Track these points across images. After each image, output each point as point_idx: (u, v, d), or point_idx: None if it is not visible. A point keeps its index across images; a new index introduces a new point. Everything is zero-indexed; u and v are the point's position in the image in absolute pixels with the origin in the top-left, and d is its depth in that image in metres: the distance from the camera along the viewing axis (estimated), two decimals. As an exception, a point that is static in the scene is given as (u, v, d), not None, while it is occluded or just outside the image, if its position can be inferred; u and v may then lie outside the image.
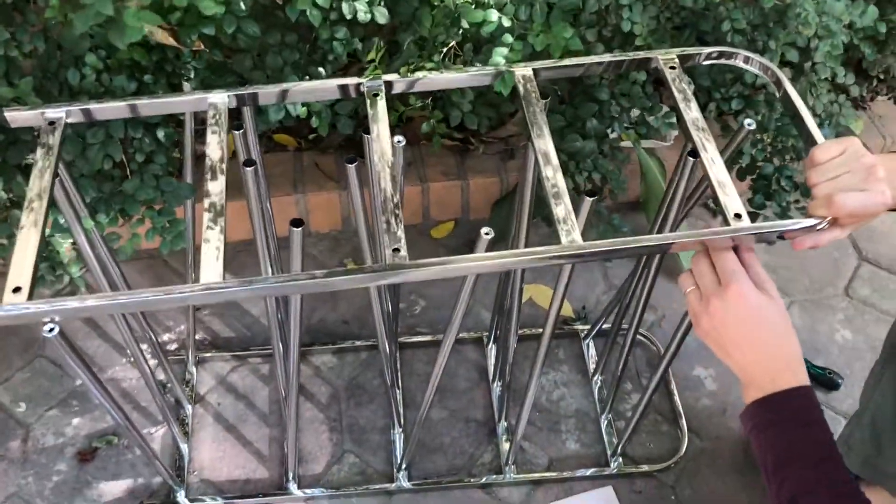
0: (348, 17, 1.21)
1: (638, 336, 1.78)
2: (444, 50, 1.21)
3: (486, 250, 1.02)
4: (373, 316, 1.39)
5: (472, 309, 1.84)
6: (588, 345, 1.77)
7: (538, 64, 1.17)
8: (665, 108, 1.42)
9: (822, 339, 1.80)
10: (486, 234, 1.02)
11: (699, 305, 0.93)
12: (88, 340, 1.78)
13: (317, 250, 1.94)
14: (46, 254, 1.39)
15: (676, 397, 1.69)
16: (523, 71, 1.16)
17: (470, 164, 1.95)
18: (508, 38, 1.13)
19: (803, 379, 0.90)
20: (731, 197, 1.00)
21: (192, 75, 1.20)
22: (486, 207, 1.95)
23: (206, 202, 1.00)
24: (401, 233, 0.97)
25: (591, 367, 1.73)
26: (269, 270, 1.31)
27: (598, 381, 1.71)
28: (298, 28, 1.31)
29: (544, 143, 1.08)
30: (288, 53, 1.29)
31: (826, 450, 0.86)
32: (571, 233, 0.98)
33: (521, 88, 1.15)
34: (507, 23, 1.14)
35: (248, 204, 1.16)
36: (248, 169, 1.09)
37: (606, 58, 1.18)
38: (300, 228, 1.04)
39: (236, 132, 1.13)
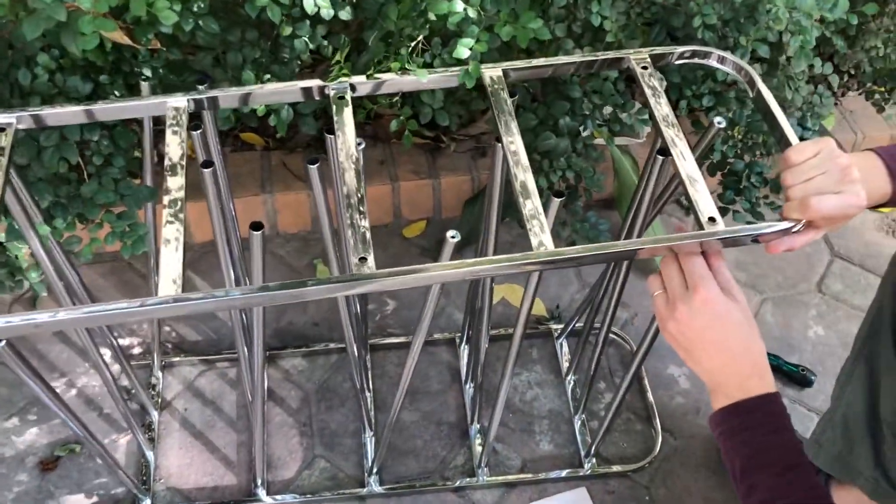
0: (310, 13, 1.18)
1: (611, 335, 1.77)
2: (412, 45, 1.18)
3: (455, 253, 1.00)
4: (352, 318, 1.36)
5: (444, 309, 1.82)
6: (561, 344, 1.75)
7: (508, 64, 1.15)
8: (637, 105, 1.40)
9: (796, 335, 1.80)
10: (452, 237, 1.00)
11: (666, 309, 0.92)
12: (52, 345, 1.73)
13: (285, 251, 1.90)
14: (4, 259, 1.35)
15: (650, 396, 1.67)
16: (493, 72, 1.14)
17: (441, 162, 1.92)
18: (474, 29, 1.10)
19: (770, 384, 0.90)
20: (703, 195, 0.99)
21: (149, 75, 1.16)
22: (458, 206, 1.92)
23: (166, 199, 0.97)
24: (367, 241, 0.95)
25: (565, 366, 1.72)
26: (231, 275, 1.28)
27: (572, 381, 1.70)
28: (260, 25, 1.27)
29: (514, 145, 1.05)
30: (249, 51, 1.26)
31: (794, 457, 0.86)
32: (540, 236, 0.96)
33: (489, 89, 1.13)
34: (472, 14, 1.11)
35: (209, 206, 1.12)
36: (206, 171, 1.06)
37: (577, 58, 1.16)
38: (260, 232, 1.00)
39: (195, 132, 1.09)
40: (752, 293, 1.87)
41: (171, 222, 0.95)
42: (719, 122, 1.10)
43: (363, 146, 1.08)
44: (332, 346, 1.73)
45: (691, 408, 1.67)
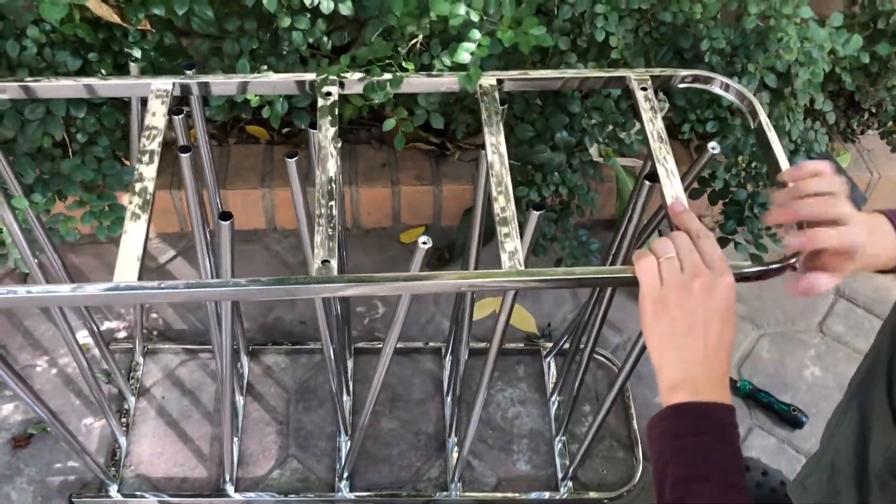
0: (309, 6, 1.16)
1: (600, 358, 1.73)
2: (411, 44, 1.15)
3: (444, 263, 0.97)
4: (332, 320, 1.34)
5: (433, 317, 1.79)
6: (549, 363, 1.72)
7: (502, 74, 1.13)
8: (638, 125, 1.36)
9: (791, 374, 1.75)
10: (424, 243, 0.96)
11: (677, 276, 0.82)
12: (39, 322, 1.73)
13: (281, 247, 1.89)
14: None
15: (635, 423, 1.63)
16: (486, 80, 1.12)
17: (444, 169, 1.90)
18: (476, 33, 1.08)
19: (729, 400, 0.84)
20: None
21: (138, 56, 1.15)
22: (458, 214, 1.89)
23: (137, 186, 0.95)
24: (333, 243, 0.92)
25: (550, 386, 1.68)
26: (207, 266, 1.26)
27: (556, 402, 1.66)
28: (260, 16, 1.26)
29: (498, 155, 1.03)
30: (246, 41, 1.25)
31: (739, 476, 0.80)
32: (515, 256, 0.93)
33: (479, 96, 1.10)
34: (475, 17, 1.09)
35: (185, 193, 1.11)
36: (183, 155, 1.04)
37: (574, 72, 1.14)
38: (228, 222, 0.98)
39: (176, 116, 1.08)
40: (750, 327, 1.82)
41: (136, 215, 0.93)
42: (713, 148, 1.07)
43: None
44: (315, 346, 1.71)
45: (676, 440, 1.63)
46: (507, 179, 1.00)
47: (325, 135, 1.04)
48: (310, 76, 1.11)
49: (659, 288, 0.83)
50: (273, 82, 1.11)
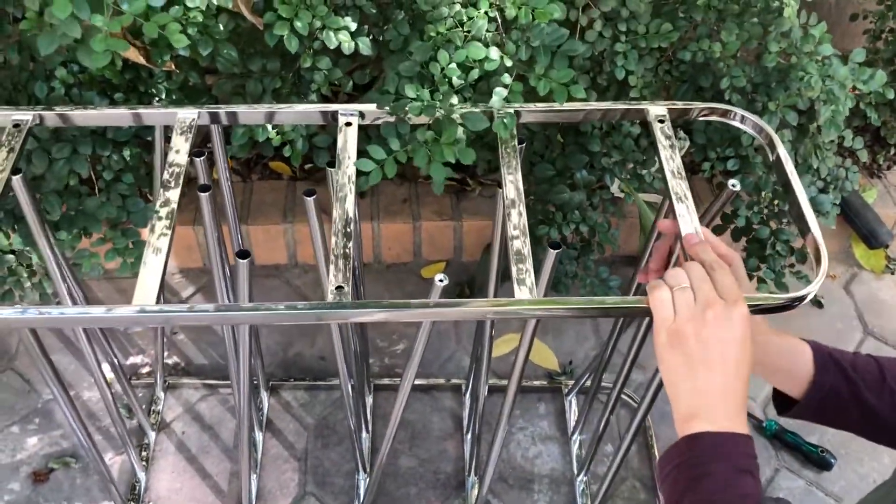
0: (331, 46, 1.18)
1: (624, 396, 1.71)
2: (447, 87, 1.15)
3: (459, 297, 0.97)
4: (349, 354, 1.34)
5: (454, 354, 1.78)
6: (570, 401, 1.70)
7: (520, 106, 1.13)
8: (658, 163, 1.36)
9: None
10: (440, 280, 0.97)
11: (691, 307, 0.82)
12: (62, 356, 1.74)
13: (301, 282, 1.89)
14: (14, 267, 1.37)
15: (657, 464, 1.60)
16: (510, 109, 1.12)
17: (465, 205, 1.90)
18: (507, 77, 1.08)
19: (747, 430, 0.82)
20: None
21: (163, 96, 1.17)
22: (479, 250, 1.89)
23: (162, 211, 0.96)
24: (348, 271, 0.92)
25: (572, 424, 1.66)
26: (226, 300, 1.27)
27: (578, 440, 1.64)
28: (283, 56, 1.28)
29: (514, 189, 1.03)
30: (269, 81, 1.26)
31: None
32: (528, 287, 0.92)
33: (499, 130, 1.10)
34: (508, 62, 1.10)
35: (205, 231, 1.12)
36: (203, 195, 1.05)
37: (593, 105, 1.14)
38: (246, 260, 0.99)
39: (197, 159, 1.09)
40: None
41: (162, 236, 0.94)
42: (733, 185, 1.06)
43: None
44: (335, 381, 1.71)
45: (700, 481, 1.60)
46: (524, 217, 1.00)
47: (347, 164, 1.04)
48: (334, 107, 1.12)
49: (672, 319, 0.83)
50: (297, 112, 1.12)
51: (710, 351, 0.80)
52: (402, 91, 1.10)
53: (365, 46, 1.21)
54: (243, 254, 1.00)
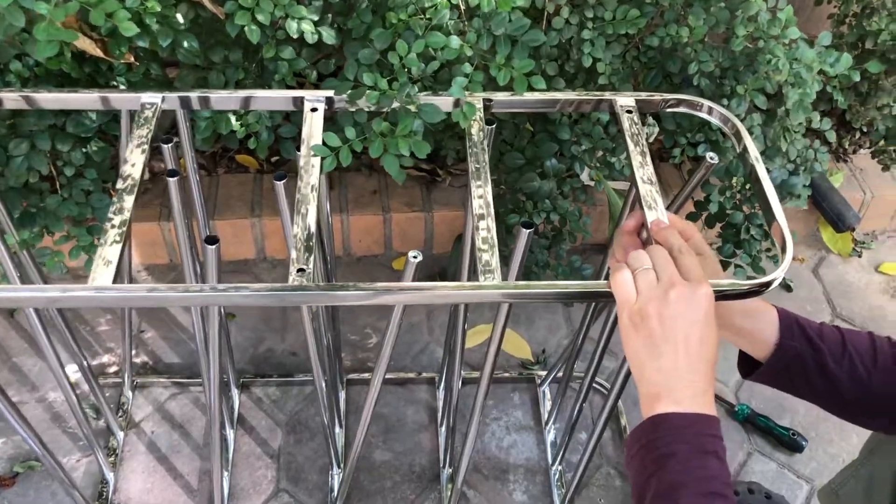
0: (294, 36, 1.15)
1: (596, 384, 1.71)
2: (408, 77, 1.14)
3: (416, 275, 0.95)
4: (321, 349, 1.32)
5: (426, 347, 1.77)
6: (544, 391, 1.69)
7: (488, 95, 1.12)
8: (623, 150, 1.35)
9: (788, 397, 1.71)
10: (414, 257, 0.95)
11: (654, 287, 0.81)
12: (27, 357, 1.70)
13: (271, 277, 1.87)
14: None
15: (625, 444, 1.60)
16: (471, 100, 1.10)
17: (436, 195, 1.89)
18: (468, 67, 1.07)
19: (713, 411, 0.81)
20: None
21: (124, 88, 1.14)
22: (450, 241, 1.88)
23: (115, 219, 0.93)
24: (311, 251, 0.91)
25: (545, 414, 1.66)
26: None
27: (552, 430, 1.64)
28: (245, 46, 1.25)
29: (481, 182, 1.01)
30: (232, 72, 1.24)
31: (722, 487, 0.77)
32: (496, 271, 0.91)
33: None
34: (468, 51, 1.08)
35: (173, 219, 1.09)
36: (171, 179, 1.03)
37: (560, 95, 1.13)
38: (215, 246, 0.97)
39: (165, 145, 1.06)
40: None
41: (115, 242, 0.91)
42: (711, 158, 1.05)
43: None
44: (307, 377, 1.69)
45: (674, 466, 1.60)
46: (489, 197, 0.99)
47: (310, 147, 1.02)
48: (300, 92, 1.10)
49: (635, 300, 0.82)
50: (265, 98, 1.10)
51: (674, 331, 0.79)
52: (360, 79, 1.09)
53: (329, 36, 1.19)
54: (211, 239, 0.98)
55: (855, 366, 0.91)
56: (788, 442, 1.63)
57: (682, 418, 0.78)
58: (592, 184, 1.50)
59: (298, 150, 1.08)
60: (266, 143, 1.23)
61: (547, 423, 1.64)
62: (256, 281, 1.86)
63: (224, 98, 1.10)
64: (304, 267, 0.88)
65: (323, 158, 1.02)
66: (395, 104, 1.06)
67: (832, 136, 1.46)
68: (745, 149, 1.06)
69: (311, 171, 1.00)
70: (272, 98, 1.11)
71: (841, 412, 0.96)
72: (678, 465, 0.76)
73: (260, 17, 1.12)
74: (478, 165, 1.03)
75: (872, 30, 1.56)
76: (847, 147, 2.05)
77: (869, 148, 2.07)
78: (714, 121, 1.11)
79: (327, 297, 0.89)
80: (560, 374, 1.65)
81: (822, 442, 1.64)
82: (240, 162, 1.92)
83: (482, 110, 1.10)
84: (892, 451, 1.14)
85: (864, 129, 2.01)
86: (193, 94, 1.06)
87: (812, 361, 0.91)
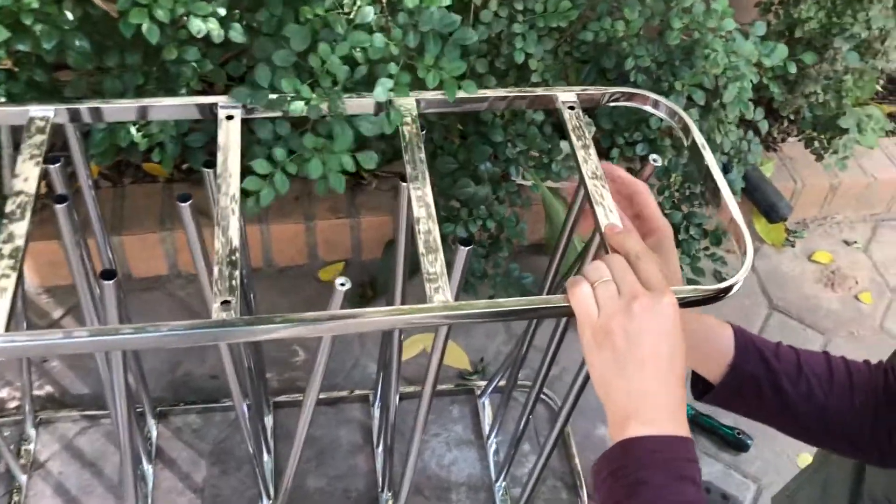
0: (197, 35, 1.04)
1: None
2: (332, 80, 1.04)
3: (365, 301, 0.87)
4: (242, 372, 1.22)
5: (358, 362, 1.67)
6: (484, 403, 1.62)
7: (420, 94, 1.03)
8: (565, 152, 1.29)
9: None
10: (342, 285, 0.87)
11: (615, 301, 0.74)
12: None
13: (185, 293, 1.74)
14: None
15: (577, 460, 1.55)
16: (404, 100, 1.02)
17: (362, 200, 1.79)
18: (393, 67, 0.97)
19: (688, 431, 0.75)
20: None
21: (3, 99, 1.00)
22: (380, 247, 1.78)
23: (4, 248, 0.81)
24: (235, 282, 0.81)
25: (487, 427, 1.58)
26: (96, 324, 1.12)
27: (494, 443, 1.56)
28: (145, 48, 1.13)
29: (419, 184, 0.93)
30: (130, 77, 1.11)
31: None
32: (443, 291, 0.83)
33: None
34: (395, 51, 0.99)
35: (64, 246, 0.97)
36: (59, 206, 0.91)
37: (498, 92, 1.05)
38: (111, 282, 0.86)
39: (52, 165, 0.94)
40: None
41: (5, 277, 0.79)
42: (654, 160, 0.99)
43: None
44: (230, 402, 1.56)
45: (621, 474, 1.55)
46: (431, 204, 0.91)
47: (228, 162, 0.91)
48: (212, 98, 0.99)
49: (596, 315, 0.75)
50: (170, 106, 0.99)
51: (640, 346, 0.72)
52: (277, 84, 0.99)
53: (237, 33, 1.08)
54: (108, 274, 0.86)
55: (811, 387, 0.87)
56: (734, 442, 1.59)
57: (654, 442, 0.71)
58: (528, 184, 1.43)
59: (208, 166, 0.98)
60: (172, 155, 1.12)
61: (489, 437, 1.57)
62: (171, 298, 1.73)
63: (121, 109, 0.98)
64: (229, 298, 0.78)
65: (249, 195, 0.92)
66: (326, 115, 0.96)
67: (765, 127, 1.42)
68: (693, 143, 1.00)
69: (230, 190, 0.89)
70: (178, 106, 1.00)
71: (799, 434, 0.92)
72: (650, 494, 0.70)
73: (159, 15, 0.99)
74: (415, 169, 0.95)
75: (801, 18, 1.54)
76: (776, 136, 2.04)
77: (796, 136, 2.07)
78: (660, 115, 1.05)
79: (248, 332, 0.79)
80: (501, 383, 1.58)
81: (767, 439, 1.62)
82: (147, 171, 1.77)
83: (415, 109, 1.01)
84: (845, 458, 1.12)
85: (792, 118, 2.00)
86: (84, 106, 0.94)
87: (767, 383, 0.86)
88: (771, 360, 0.87)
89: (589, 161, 0.96)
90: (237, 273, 0.81)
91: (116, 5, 1.01)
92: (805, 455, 1.60)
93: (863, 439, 0.88)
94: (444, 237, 1.35)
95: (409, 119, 1.00)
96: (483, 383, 1.64)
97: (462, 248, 0.91)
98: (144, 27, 0.99)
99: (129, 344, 0.78)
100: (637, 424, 0.71)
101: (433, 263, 0.85)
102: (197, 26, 1.04)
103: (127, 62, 1.11)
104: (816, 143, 1.77)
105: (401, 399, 1.47)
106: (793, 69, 1.28)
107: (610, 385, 0.73)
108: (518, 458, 1.55)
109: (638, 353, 0.72)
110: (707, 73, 1.20)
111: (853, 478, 1.11)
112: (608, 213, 0.91)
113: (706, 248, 1.32)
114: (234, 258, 0.82)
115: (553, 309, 0.83)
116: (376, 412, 1.57)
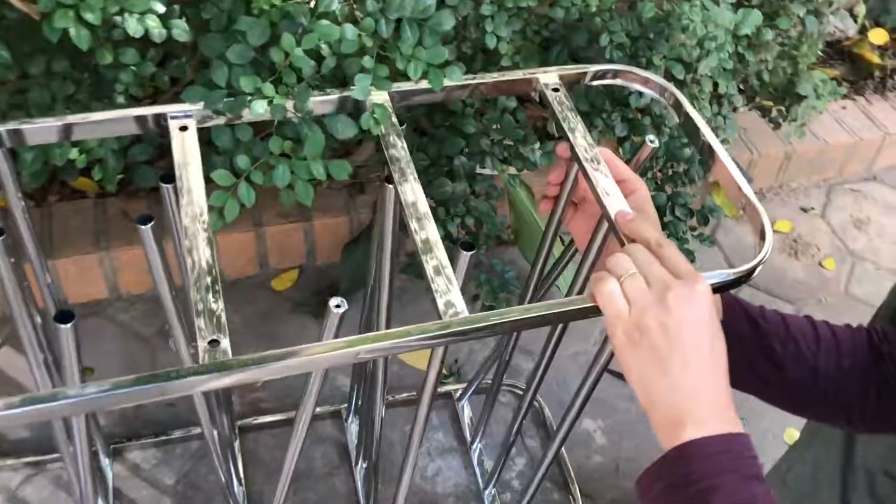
0: (135, 34, 0.92)
1: (515, 391, 1.57)
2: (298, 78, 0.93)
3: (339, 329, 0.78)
4: (210, 398, 1.11)
5: (326, 372, 1.56)
6: (463, 407, 1.54)
7: (395, 88, 0.94)
8: (538, 141, 1.21)
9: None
10: (337, 306, 0.77)
11: (646, 294, 0.69)
12: None
13: (129, 316, 1.60)
14: None
15: (567, 460, 1.49)
16: (377, 95, 0.92)
17: (314, 202, 1.67)
18: (368, 60, 0.87)
19: (741, 426, 0.69)
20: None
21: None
22: (336, 251, 1.68)
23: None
24: (221, 316, 0.71)
25: (469, 432, 1.51)
26: (40, 362, 1.00)
27: (478, 449, 1.49)
28: (74, 53, 1.00)
29: (410, 188, 0.84)
30: (59, 86, 0.98)
31: None
32: (454, 305, 0.75)
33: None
34: (369, 42, 0.89)
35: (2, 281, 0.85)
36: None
37: (477, 80, 0.96)
38: (69, 325, 0.74)
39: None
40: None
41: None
42: (651, 141, 0.93)
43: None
44: (193, 430, 1.44)
45: (609, 468, 1.50)
46: (425, 206, 0.83)
47: (189, 181, 0.81)
48: (161, 108, 0.88)
49: (628, 312, 0.69)
50: (110, 121, 0.87)
51: (681, 340, 0.67)
52: (235, 84, 0.88)
53: (181, 31, 0.96)
54: (64, 317, 0.75)
55: (800, 348, 0.84)
56: (721, 423, 1.55)
57: (715, 443, 0.66)
58: (495, 173, 1.34)
59: (166, 181, 0.86)
60: (115, 172, 0.99)
61: (472, 443, 1.49)
62: (113, 324, 1.59)
63: (46, 128, 0.85)
64: (217, 337, 0.68)
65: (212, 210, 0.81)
66: (292, 116, 0.86)
67: (739, 101, 1.38)
68: (687, 117, 0.94)
69: (193, 199, 0.78)
70: (120, 120, 0.88)
71: (788, 401, 0.88)
72: (723, 501, 0.64)
73: (88, 17, 0.87)
74: (401, 168, 0.86)
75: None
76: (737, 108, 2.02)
77: (746, 105, 2.04)
78: (649, 92, 0.99)
79: (243, 375, 0.69)
80: (482, 384, 1.50)
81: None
82: (76, 187, 1.62)
83: (389, 103, 0.92)
84: (833, 431, 1.08)
85: (741, 87, 1.98)
86: (13, 127, 0.81)
87: (756, 345, 0.83)
88: (758, 320, 0.84)
89: (583, 145, 0.89)
90: (220, 305, 0.71)
91: (38, 6, 0.88)
92: (791, 430, 1.57)
93: (851, 401, 0.85)
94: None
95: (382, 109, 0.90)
96: (459, 386, 1.56)
97: (464, 252, 0.83)
98: (72, 32, 0.86)
99: (88, 407, 0.67)
100: (692, 427, 0.66)
101: (439, 272, 0.77)
102: (133, 26, 0.92)
103: (54, 69, 0.98)
104: (774, 112, 1.74)
105: (370, 408, 1.38)
106: (769, 36, 1.23)
107: (652, 386, 0.68)
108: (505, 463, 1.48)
109: (679, 347, 0.67)
110: (685, 45, 1.14)
111: (843, 450, 1.07)
112: (614, 200, 0.85)
113: (693, 229, 1.27)
114: (215, 288, 0.71)
115: (579, 311, 0.76)
116: (352, 428, 1.47)
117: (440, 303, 0.75)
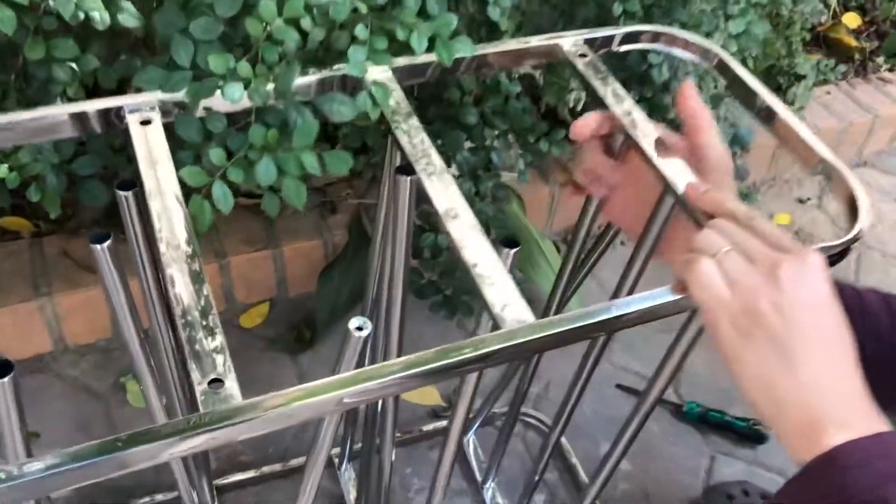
0: (72, 22, 0.75)
1: (527, 419, 1.41)
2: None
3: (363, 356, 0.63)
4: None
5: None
6: (470, 441, 1.37)
7: (397, 62, 0.79)
8: (547, 128, 1.07)
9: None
10: (359, 328, 0.63)
11: (751, 273, 0.57)
12: None
13: (79, 371, 1.39)
14: None
15: (591, 491, 1.32)
16: (378, 72, 0.77)
17: (281, 225, 1.50)
18: (362, 30, 0.72)
19: (887, 423, 0.58)
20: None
21: None
22: (309, 279, 1.50)
23: None
24: (225, 352, 0.55)
25: (479, 470, 1.34)
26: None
27: (491, 488, 1.32)
28: (-4, 49, 0.82)
29: (432, 166, 0.69)
30: (-22, 89, 0.80)
31: None
32: (520, 311, 0.61)
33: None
34: (363, 8, 0.74)
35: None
36: None
37: (489, 49, 0.83)
38: (7, 378, 0.57)
39: None
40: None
41: None
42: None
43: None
44: (159, 497, 1.24)
45: (639, 495, 1.35)
46: (458, 194, 0.68)
47: (160, 185, 0.64)
48: (115, 101, 0.71)
49: (731, 298, 0.57)
50: (49, 121, 0.70)
51: (801, 324, 0.56)
52: (202, 64, 0.72)
53: (130, 16, 0.80)
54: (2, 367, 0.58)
55: (879, 323, 0.72)
56: (750, 434, 1.42)
57: (867, 446, 0.54)
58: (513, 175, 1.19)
59: (124, 188, 0.69)
60: (58, 191, 0.81)
61: (484, 482, 1.32)
62: (61, 381, 1.38)
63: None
64: (220, 376, 0.52)
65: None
66: (275, 101, 0.71)
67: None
68: (735, 79, 0.82)
69: (172, 219, 0.61)
70: (53, 120, 0.71)
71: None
72: None
73: (17, -3, 0.70)
74: (419, 153, 0.71)
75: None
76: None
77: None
78: (690, 56, 0.87)
79: (252, 424, 0.53)
80: (491, 413, 1.34)
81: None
82: (6, 227, 1.42)
83: (395, 81, 0.77)
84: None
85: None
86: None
87: (857, 312, 0.67)
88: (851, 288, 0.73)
89: (630, 111, 0.76)
90: (219, 339, 0.54)
91: (-53, -16, 0.70)
92: None
93: None
94: (419, 252, 1.10)
95: (394, 94, 0.75)
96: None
97: (507, 250, 0.68)
98: (-3, 16, 0.69)
99: (45, 488, 0.50)
100: (834, 429, 0.54)
101: (490, 271, 0.62)
102: (71, 10, 0.75)
103: (-29, 68, 0.79)
104: (770, 96, 1.63)
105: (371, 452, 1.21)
106: (790, 5, 1.11)
107: (778, 386, 0.55)
108: (516, 498, 1.32)
109: (799, 333, 0.55)
110: (704, 11, 1.02)
111: None
112: (677, 169, 0.71)
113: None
114: (210, 314, 0.55)
115: (668, 306, 0.62)
116: (346, 475, 1.29)
117: (496, 308, 0.60)
